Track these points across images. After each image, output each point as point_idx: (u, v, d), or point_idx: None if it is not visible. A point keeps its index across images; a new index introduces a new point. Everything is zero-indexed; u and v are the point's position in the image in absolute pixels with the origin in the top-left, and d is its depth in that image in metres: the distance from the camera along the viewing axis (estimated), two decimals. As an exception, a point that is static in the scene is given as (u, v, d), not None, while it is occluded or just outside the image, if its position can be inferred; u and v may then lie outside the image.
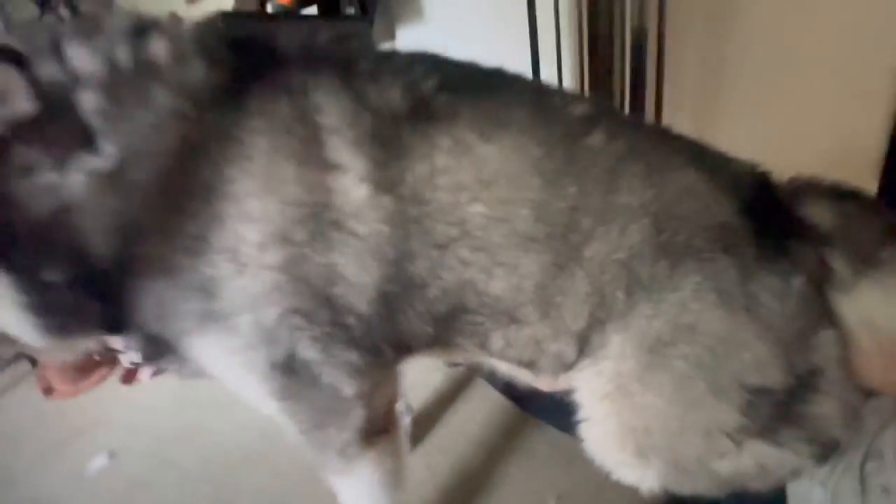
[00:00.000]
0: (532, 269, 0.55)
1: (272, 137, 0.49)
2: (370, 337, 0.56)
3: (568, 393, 0.65)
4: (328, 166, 0.50)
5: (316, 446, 0.64)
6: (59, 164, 0.45)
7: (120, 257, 0.49)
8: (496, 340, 0.60)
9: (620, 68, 1.50)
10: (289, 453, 1.19)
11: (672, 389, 0.55)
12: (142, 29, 0.50)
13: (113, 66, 0.47)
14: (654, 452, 0.59)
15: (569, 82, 1.46)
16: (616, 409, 0.58)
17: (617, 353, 0.57)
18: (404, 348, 0.61)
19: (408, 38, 1.76)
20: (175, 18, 0.53)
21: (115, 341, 0.64)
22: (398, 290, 0.54)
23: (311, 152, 0.49)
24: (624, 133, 0.58)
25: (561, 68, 1.35)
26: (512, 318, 0.57)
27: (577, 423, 0.64)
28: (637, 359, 0.56)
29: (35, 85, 0.44)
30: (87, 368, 1.71)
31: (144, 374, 1.67)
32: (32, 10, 2.22)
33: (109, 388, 1.69)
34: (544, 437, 1.11)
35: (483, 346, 0.61)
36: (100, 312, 0.53)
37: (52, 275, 0.48)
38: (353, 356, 0.56)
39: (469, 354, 0.66)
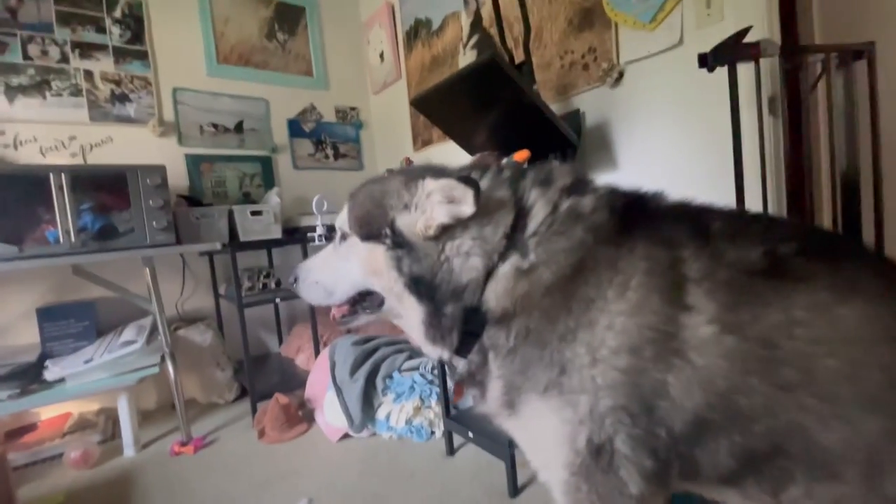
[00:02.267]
0: (872, 430, 0.56)
1: (649, 276, 0.64)
2: (670, 452, 0.63)
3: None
4: (684, 307, 0.62)
5: None
6: (493, 256, 0.70)
7: (511, 310, 0.69)
8: (796, 490, 0.61)
9: (832, 212, 1.49)
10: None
11: None
12: (579, 187, 0.73)
13: (554, 208, 0.71)
14: None
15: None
16: None
17: None
18: (691, 473, 0.65)
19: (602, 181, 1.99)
20: (598, 188, 0.75)
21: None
22: (719, 418, 0.60)
23: (673, 293, 0.63)
24: None
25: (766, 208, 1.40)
26: (831, 473, 0.59)
27: None
28: None
29: (482, 199, 0.69)
30: (293, 421, 2.01)
31: (333, 435, 1.90)
32: (308, 147, 3.09)
33: (306, 441, 1.95)
34: None
35: (775, 493, 0.63)
36: (470, 334, 0.73)
37: (449, 309, 0.73)
38: (649, 463, 0.63)
39: (742, 499, 0.68)
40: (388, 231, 0.74)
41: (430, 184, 0.72)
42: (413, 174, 0.77)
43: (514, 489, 1.45)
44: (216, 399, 2.44)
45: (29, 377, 1.90)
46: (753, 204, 1.39)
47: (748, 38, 1.31)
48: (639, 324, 0.62)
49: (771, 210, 1.42)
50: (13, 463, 1.90)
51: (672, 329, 0.61)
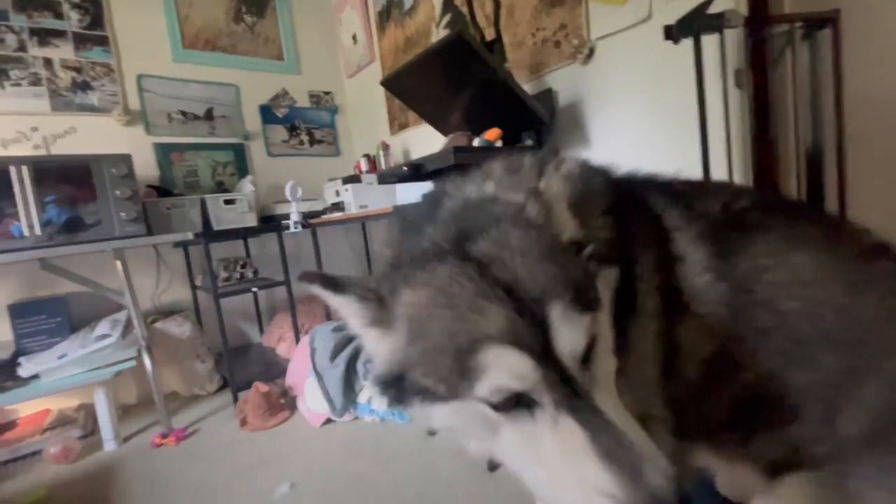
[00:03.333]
0: (831, 368, 0.60)
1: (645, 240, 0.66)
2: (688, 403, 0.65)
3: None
4: (676, 258, 0.64)
5: None
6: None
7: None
8: (763, 437, 0.64)
9: (796, 183, 1.52)
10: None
11: None
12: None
13: None
14: None
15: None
16: None
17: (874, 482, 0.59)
18: (694, 427, 0.67)
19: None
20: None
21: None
22: (720, 368, 0.63)
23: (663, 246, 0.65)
24: None
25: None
26: (793, 415, 0.62)
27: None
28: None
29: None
30: (275, 409, 2.01)
31: (315, 421, 1.91)
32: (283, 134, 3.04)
33: (289, 427, 1.95)
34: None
35: (746, 442, 0.66)
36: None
37: None
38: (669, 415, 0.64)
39: (716, 457, 0.70)
40: None
41: None
42: None
43: (493, 465, 1.47)
44: (198, 391, 2.43)
45: (3, 375, 1.87)
46: (720, 176, 1.40)
47: (714, 10, 1.31)
48: (647, 283, 0.64)
49: (737, 181, 1.44)
50: (-7, 461, 1.89)
51: (675, 283, 0.63)
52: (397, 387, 0.53)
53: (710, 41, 1.36)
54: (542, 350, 0.47)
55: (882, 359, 0.59)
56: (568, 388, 0.47)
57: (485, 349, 0.46)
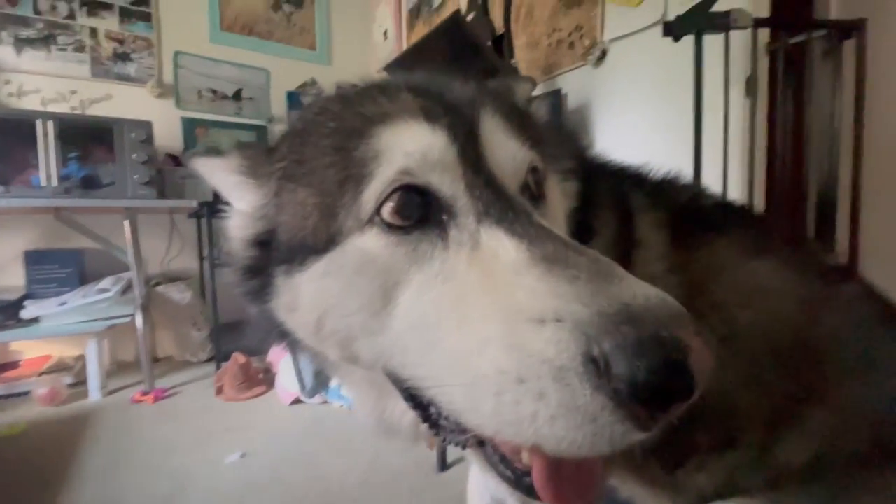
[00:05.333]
0: (777, 390, 0.53)
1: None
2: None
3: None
4: (635, 242, 0.58)
5: None
6: None
7: None
8: (692, 463, 0.56)
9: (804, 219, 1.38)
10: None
11: None
12: None
13: None
14: None
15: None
16: None
17: None
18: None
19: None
20: None
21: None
22: None
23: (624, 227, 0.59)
24: (875, 298, 0.59)
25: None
26: (730, 439, 0.55)
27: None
28: None
29: None
30: (251, 382, 2.03)
31: (286, 399, 1.91)
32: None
33: (261, 402, 1.97)
34: None
35: (674, 468, 0.58)
36: None
37: None
38: None
39: (639, 483, 0.62)
40: None
41: None
42: None
43: (443, 465, 1.42)
44: (189, 357, 2.50)
45: (7, 314, 1.98)
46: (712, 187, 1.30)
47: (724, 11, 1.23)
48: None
49: (732, 198, 1.33)
50: (-13, 394, 2.00)
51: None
52: (260, 264, 0.45)
53: (718, 42, 1.27)
54: (463, 144, 0.37)
55: (830, 386, 0.53)
56: (498, 195, 0.37)
57: (385, 127, 0.38)
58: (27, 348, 2.32)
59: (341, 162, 0.38)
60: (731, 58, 1.27)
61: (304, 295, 0.41)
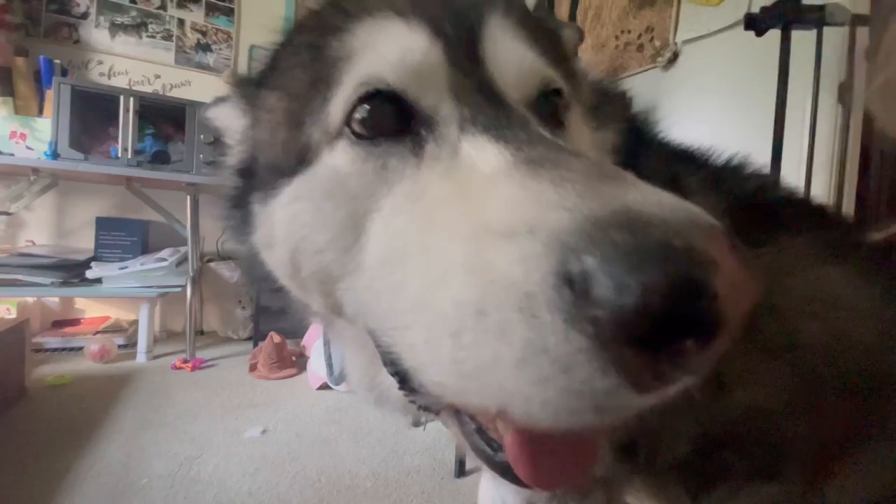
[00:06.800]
0: (836, 421, 0.45)
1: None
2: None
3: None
4: None
5: None
6: None
7: None
8: (722, 490, 0.49)
9: None
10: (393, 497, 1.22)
11: None
12: None
13: None
14: None
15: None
16: None
17: None
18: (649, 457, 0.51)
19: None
20: None
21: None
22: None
23: None
24: None
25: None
26: (771, 471, 0.46)
27: None
28: None
29: None
30: (284, 363, 2.05)
31: (314, 383, 1.91)
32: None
33: (291, 383, 1.98)
34: None
35: (699, 492, 0.50)
36: None
37: None
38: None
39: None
40: None
41: None
42: None
43: (461, 470, 1.34)
44: (231, 334, 2.58)
45: (73, 272, 2.13)
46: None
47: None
48: None
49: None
50: (47, 345, 2.15)
51: None
52: (243, 194, 0.42)
53: (807, 41, 1.15)
54: (455, 44, 0.32)
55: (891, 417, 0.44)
56: (493, 102, 0.31)
57: (362, 22, 0.33)
58: (89, 307, 2.49)
59: (312, 62, 0.34)
60: (823, 59, 1.14)
61: (277, 225, 0.37)
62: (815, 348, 0.45)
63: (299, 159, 0.34)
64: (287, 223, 0.36)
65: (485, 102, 0.30)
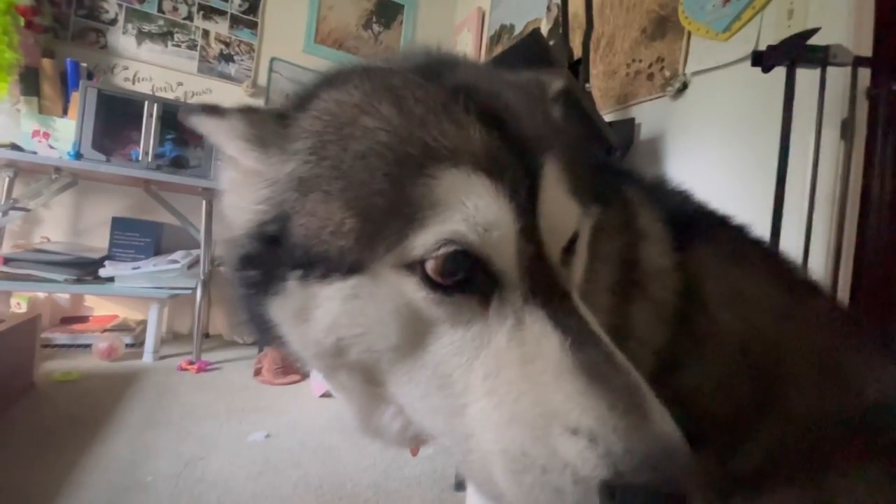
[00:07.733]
0: (743, 398, 0.54)
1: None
2: None
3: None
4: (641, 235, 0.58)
5: None
6: None
7: None
8: (756, 450, 0.56)
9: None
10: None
11: None
12: None
13: None
14: None
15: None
16: None
17: None
18: None
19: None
20: None
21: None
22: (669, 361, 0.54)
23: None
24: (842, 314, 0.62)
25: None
26: (695, 441, 0.50)
27: None
28: None
29: None
30: (288, 370, 2.07)
31: (316, 390, 1.93)
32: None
33: (294, 390, 2.00)
34: None
35: (724, 461, 0.57)
36: None
37: None
38: None
39: None
40: None
41: None
42: None
43: (461, 483, 1.35)
44: (237, 338, 2.60)
45: (87, 270, 2.18)
46: (793, 240, 1.19)
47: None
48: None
49: (818, 249, 1.20)
50: (56, 341, 2.18)
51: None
52: (264, 257, 0.39)
53: (811, 78, 1.19)
54: (524, 208, 0.34)
55: (787, 396, 0.53)
56: (544, 270, 0.35)
57: (449, 171, 0.33)
58: (98, 305, 2.53)
59: (392, 193, 0.34)
60: (826, 97, 1.18)
61: (322, 310, 0.37)
62: (729, 333, 0.54)
63: (358, 264, 0.35)
64: (338, 314, 0.36)
65: (539, 271, 0.35)
